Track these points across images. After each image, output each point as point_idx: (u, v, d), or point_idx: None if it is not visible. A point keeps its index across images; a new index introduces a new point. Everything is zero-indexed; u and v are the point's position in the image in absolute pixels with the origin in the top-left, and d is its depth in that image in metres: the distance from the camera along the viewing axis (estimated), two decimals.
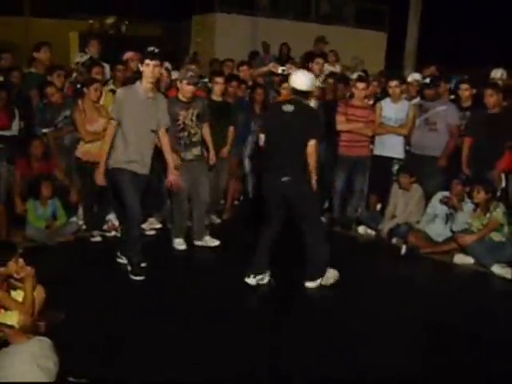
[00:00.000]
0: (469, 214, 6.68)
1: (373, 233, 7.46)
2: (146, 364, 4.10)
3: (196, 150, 6.48)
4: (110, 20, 19.30)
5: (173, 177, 5.86)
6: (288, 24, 16.66)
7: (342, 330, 4.82)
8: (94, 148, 6.45)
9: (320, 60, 8.51)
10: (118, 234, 6.55)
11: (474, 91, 7.47)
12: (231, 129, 7.18)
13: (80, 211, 6.93)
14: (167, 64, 7.76)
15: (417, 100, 7.74)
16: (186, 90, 6.25)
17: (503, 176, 7.06)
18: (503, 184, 7.07)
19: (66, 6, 18.08)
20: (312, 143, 5.33)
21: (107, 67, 7.79)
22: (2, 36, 14.54)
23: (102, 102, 6.76)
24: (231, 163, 7.56)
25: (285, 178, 5.32)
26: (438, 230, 6.94)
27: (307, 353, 4.41)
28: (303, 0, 18.31)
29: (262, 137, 5.54)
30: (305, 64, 8.44)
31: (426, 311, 5.25)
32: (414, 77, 8.32)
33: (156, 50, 5.62)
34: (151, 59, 5.48)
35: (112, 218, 6.91)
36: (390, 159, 7.55)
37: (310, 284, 5.58)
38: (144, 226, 6.74)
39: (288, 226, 5.59)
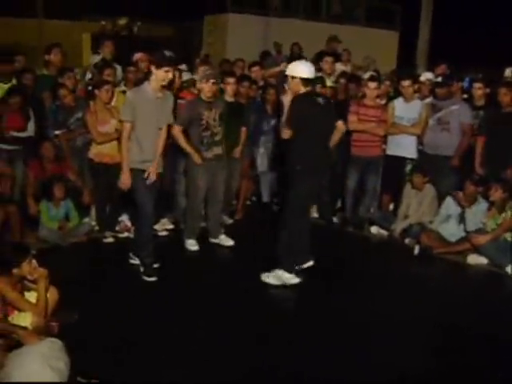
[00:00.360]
0: (482, 213, 6.64)
1: (385, 233, 7.42)
2: (156, 365, 4.12)
3: (217, 150, 6.52)
4: (122, 21, 19.37)
5: (153, 169, 5.70)
6: (299, 24, 16.62)
7: (354, 330, 4.80)
8: (106, 149, 6.49)
9: (329, 59, 8.47)
10: (131, 235, 6.56)
11: (488, 90, 7.42)
12: (244, 129, 7.18)
13: (93, 212, 6.94)
14: (183, 66, 7.74)
15: (429, 99, 7.69)
16: (207, 88, 6.31)
17: None
18: None
19: (78, 8, 18.18)
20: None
21: (119, 68, 7.81)
22: (16, 38, 14.63)
23: (113, 104, 6.78)
24: (243, 163, 7.56)
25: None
26: (451, 230, 6.89)
27: (320, 353, 4.40)
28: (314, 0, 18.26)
29: (288, 132, 5.55)
30: (316, 63, 8.41)
31: (439, 312, 5.22)
32: (426, 76, 8.27)
33: (173, 56, 5.62)
34: (168, 65, 5.50)
35: (125, 218, 6.92)
36: (403, 159, 7.51)
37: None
38: (156, 226, 6.74)
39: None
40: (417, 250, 6.70)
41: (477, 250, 6.50)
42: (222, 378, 4.02)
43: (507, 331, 4.85)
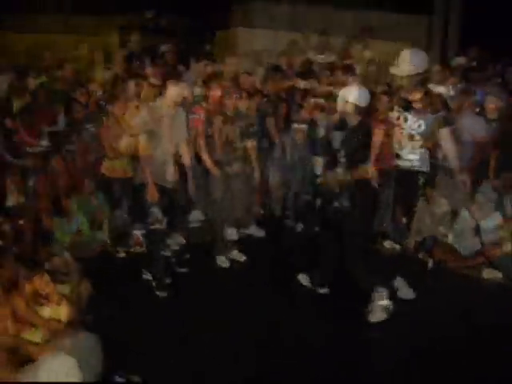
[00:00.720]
0: (497, 226, 6.58)
1: (398, 247, 7.36)
2: (164, 379, 4.14)
3: (238, 164, 6.58)
4: (148, 15, 19.54)
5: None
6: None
7: (365, 342, 4.79)
8: (119, 164, 6.51)
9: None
10: (143, 250, 6.56)
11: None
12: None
13: (105, 226, 6.96)
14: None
15: (441, 113, 7.64)
16: (230, 103, 6.47)
17: None
18: None
19: (105, 2, 18.19)
20: None
21: (132, 83, 7.85)
22: (43, 32, 14.65)
23: (126, 118, 6.80)
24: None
25: None
26: (465, 244, 6.83)
27: (330, 369, 4.36)
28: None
29: None
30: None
31: (453, 326, 5.19)
32: (457, 61, 8.15)
33: (184, 72, 5.80)
34: (177, 82, 5.58)
35: (137, 233, 6.91)
36: (416, 172, 7.45)
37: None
38: (168, 241, 6.73)
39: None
40: (431, 264, 6.64)
41: (491, 263, 6.44)
42: None
43: None
